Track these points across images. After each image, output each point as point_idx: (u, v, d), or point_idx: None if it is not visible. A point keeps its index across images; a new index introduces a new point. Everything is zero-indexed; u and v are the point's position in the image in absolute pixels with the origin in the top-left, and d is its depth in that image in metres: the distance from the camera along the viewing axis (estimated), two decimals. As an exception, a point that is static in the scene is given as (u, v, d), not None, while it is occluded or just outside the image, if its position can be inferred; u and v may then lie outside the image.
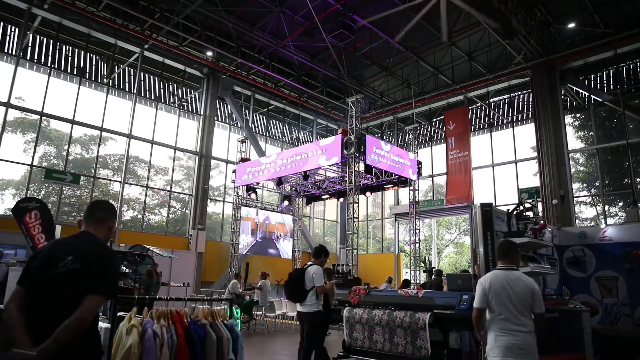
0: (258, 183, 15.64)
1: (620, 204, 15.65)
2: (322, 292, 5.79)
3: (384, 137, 22.00)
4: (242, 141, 16.82)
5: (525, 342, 3.39)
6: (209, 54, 16.98)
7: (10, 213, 9.60)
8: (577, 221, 15.34)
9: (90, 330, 2.28)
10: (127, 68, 16.50)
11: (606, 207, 15.64)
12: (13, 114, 14.30)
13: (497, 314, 3.51)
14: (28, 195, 13.28)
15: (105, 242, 2.53)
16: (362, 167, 12.45)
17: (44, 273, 2.26)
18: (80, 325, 2.16)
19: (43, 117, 14.40)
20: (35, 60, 14.44)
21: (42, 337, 2.10)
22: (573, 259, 7.19)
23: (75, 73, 15.18)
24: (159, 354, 2.93)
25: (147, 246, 11.96)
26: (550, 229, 6.94)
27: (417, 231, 15.48)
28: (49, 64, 14.59)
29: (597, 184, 15.76)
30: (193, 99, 18.42)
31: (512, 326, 3.43)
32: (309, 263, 5.86)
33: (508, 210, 5.81)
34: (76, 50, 15.40)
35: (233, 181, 15.90)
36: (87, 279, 2.24)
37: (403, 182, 14.28)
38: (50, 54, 14.68)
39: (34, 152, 14.40)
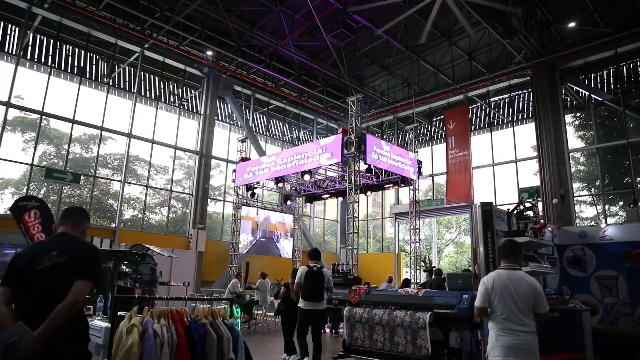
0: (258, 182, 15.64)
1: (621, 203, 15.65)
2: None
3: (384, 137, 21.98)
4: (243, 140, 16.81)
5: (526, 342, 3.38)
6: (209, 53, 16.97)
7: (10, 212, 9.55)
8: (577, 220, 15.34)
9: (78, 318, 2.42)
10: (127, 67, 16.49)
11: (606, 207, 15.63)
12: (13, 113, 14.30)
13: (499, 314, 3.50)
14: (28, 195, 13.25)
15: None
16: (362, 166, 12.43)
17: (29, 271, 2.36)
18: (73, 307, 2.30)
19: (43, 117, 14.39)
20: (36, 60, 14.43)
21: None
22: (573, 258, 7.19)
23: (75, 72, 15.17)
24: (160, 353, 2.93)
25: (148, 245, 11.95)
26: (550, 229, 6.94)
27: (418, 230, 15.48)
28: (49, 64, 14.58)
29: (597, 184, 15.75)
30: (193, 98, 18.41)
31: (514, 326, 3.42)
32: (316, 265, 6.17)
33: (508, 209, 5.80)
34: (76, 49, 15.39)
35: (233, 180, 15.89)
36: (75, 268, 2.38)
37: (403, 181, 14.27)
38: (50, 53, 14.67)
39: (34, 151, 14.39)
